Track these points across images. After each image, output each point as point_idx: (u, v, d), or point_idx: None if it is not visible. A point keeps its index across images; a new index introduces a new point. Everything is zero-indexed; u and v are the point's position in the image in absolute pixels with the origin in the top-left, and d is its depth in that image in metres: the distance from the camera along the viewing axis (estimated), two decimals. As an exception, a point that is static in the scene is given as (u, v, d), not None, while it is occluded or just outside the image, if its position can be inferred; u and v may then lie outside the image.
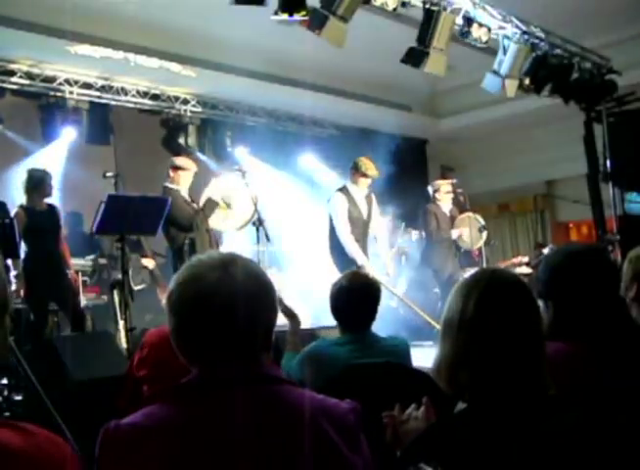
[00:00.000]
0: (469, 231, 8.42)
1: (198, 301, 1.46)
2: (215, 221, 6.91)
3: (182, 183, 6.59)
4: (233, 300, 1.45)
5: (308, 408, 1.45)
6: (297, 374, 3.33)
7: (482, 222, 8.51)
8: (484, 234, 8.44)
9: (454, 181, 9.31)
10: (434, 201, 8.49)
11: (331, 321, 3.66)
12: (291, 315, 3.76)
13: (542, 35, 7.09)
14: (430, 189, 8.64)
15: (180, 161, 6.81)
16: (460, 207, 8.94)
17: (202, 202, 6.76)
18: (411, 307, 7.67)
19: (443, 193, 8.46)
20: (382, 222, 7.72)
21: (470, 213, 8.66)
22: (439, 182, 8.71)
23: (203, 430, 1.39)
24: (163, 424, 1.40)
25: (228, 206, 6.80)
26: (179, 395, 1.47)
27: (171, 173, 6.61)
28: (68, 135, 8.35)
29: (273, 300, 1.54)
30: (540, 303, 2.06)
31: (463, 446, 1.39)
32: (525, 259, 9.00)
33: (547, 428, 1.40)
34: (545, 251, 8.79)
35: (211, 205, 6.68)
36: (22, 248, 5.94)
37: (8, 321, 1.12)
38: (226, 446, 1.38)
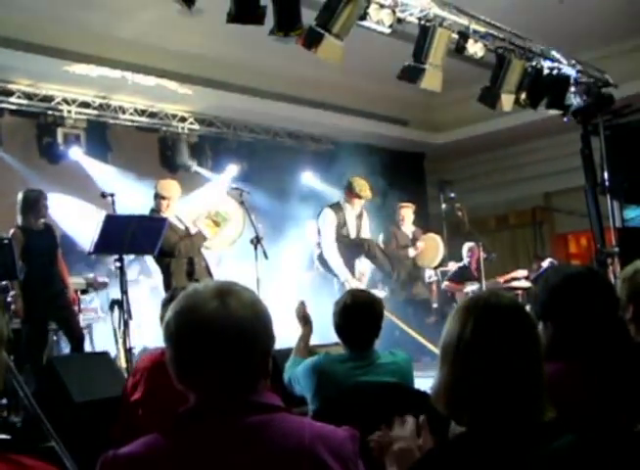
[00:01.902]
0: (422, 244, 8.61)
1: (195, 331, 1.47)
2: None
3: (167, 212, 6.39)
4: (229, 330, 1.46)
5: (305, 437, 1.45)
6: (299, 383, 3.34)
7: (440, 243, 8.75)
8: (441, 254, 8.71)
9: (450, 196, 9.42)
10: (396, 224, 8.64)
11: (332, 338, 3.67)
12: (305, 322, 3.87)
13: (538, 50, 7.11)
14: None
15: (163, 190, 6.51)
16: (458, 221, 9.02)
17: (191, 224, 6.61)
18: (403, 328, 7.65)
19: (402, 217, 8.66)
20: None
21: (432, 235, 8.86)
22: (399, 206, 8.87)
23: (197, 460, 1.40)
24: (159, 454, 1.42)
25: (217, 224, 6.70)
26: (175, 425, 1.47)
27: (155, 200, 6.50)
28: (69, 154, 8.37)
29: (270, 328, 1.54)
30: (539, 323, 2.06)
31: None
32: (525, 273, 9.01)
33: (544, 454, 1.39)
34: (544, 264, 8.80)
35: (201, 238, 6.54)
36: (21, 268, 5.93)
37: (5, 355, 1.11)
38: None
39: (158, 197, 6.44)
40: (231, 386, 1.47)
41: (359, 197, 7.27)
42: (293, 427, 1.47)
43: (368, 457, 1.65)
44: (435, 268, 9.09)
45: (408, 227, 8.79)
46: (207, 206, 6.82)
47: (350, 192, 7.29)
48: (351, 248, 7.37)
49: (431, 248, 8.70)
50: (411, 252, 8.53)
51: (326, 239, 7.26)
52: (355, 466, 1.49)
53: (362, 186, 7.26)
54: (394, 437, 1.85)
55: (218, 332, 1.45)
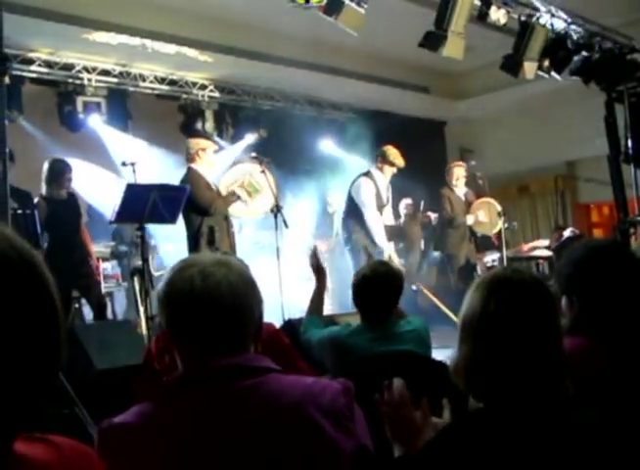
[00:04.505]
0: (484, 214, 8.37)
1: (187, 301, 1.52)
2: (236, 208, 6.91)
3: (204, 163, 6.56)
4: (219, 300, 1.51)
5: (295, 396, 1.49)
6: (318, 351, 3.35)
7: (499, 208, 8.44)
8: (502, 220, 8.37)
9: (471, 164, 9.26)
10: (449, 185, 8.48)
11: (349, 307, 3.66)
12: (318, 271, 3.73)
13: (562, 15, 6.99)
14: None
15: (195, 143, 6.75)
16: (478, 190, 8.90)
17: (222, 189, 6.75)
18: (430, 297, 7.67)
19: (456, 177, 8.44)
20: (389, 214, 7.78)
21: (487, 199, 8.61)
22: (451, 166, 8.66)
23: (189, 427, 1.44)
24: (152, 422, 1.46)
25: (249, 194, 6.76)
26: (166, 392, 1.52)
27: (190, 156, 6.58)
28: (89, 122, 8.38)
29: (256, 292, 1.59)
30: (563, 298, 2.05)
31: (481, 449, 1.39)
32: (546, 243, 8.94)
33: (565, 430, 1.40)
34: (566, 233, 8.73)
35: (232, 197, 6.63)
36: (45, 237, 5.99)
37: None
38: (210, 440, 1.43)
39: (188, 151, 6.53)
40: (218, 352, 1.51)
41: (393, 164, 7.35)
42: (283, 387, 1.50)
43: (368, 407, 1.67)
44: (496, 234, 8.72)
45: (461, 189, 8.53)
46: (241, 175, 6.87)
47: (384, 160, 7.37)
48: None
49: (490, 215, 8.40)
50: (469, 219, 8.35)
51: (368, 207, 7.32)
52: (348, 420, 1.51)
53: (395, 154, 7.35)
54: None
55: (209, 301, 1.50)
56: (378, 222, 7.25)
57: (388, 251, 7.12)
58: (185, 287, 1.51)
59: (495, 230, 8.51)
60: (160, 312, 1.57)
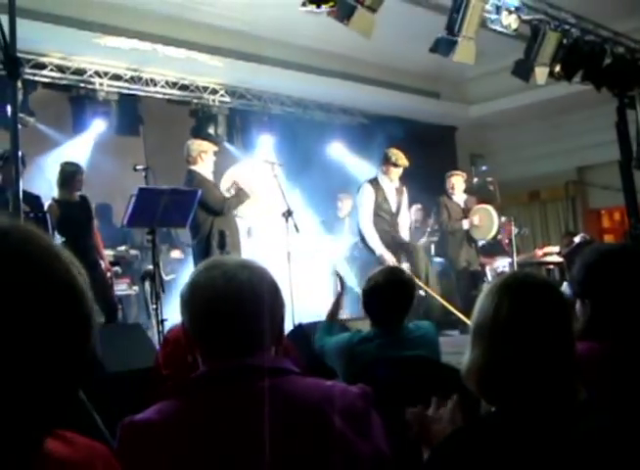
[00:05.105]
0: (479, 218, 8.40)
1: (209, 302, 1.54)
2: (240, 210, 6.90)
3: (205, 165, 6.56)
4: (242, 302, 1.53)
5: (314, 397, 1.50)
6: (329, 358, 3.34)
7: (495, 214, 8.46)
8: (496, 226, 8.40)
9: (482, 169, 9.24)
10: (446, 193, 8.52)
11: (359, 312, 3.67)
12: (341, 281, 3.94)
13: (573, 21, 6.98)
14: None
15: (197, 145, 6.72)
16: (489, 195, 8.90)
17: (223, 186, 6.74)
18: (438, 299, 7.65)
19: (452, 185, 8.49)
20: (406, 217, 7.77)
21: (483, 205, 8.64)
22: (449, 174, 8.70)
23: (210, 424, 1.45)
24: (174, 419, 1.47)
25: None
26: (189, 390, 1.53)
27: (192, 158, 6.58)
28: (99, 126, 8.41)
29: (278, 296, 1.62)
30: (577, 303, 2.05)
31: (493, 452, 1.39)
32: (556, 249, 8.92)
33: (577, 434, 1.39)
34: (576, 239, 8.71)
35: (244, 195, 6.62)
36: (57, 240, 6.01)
37: None
38: (232, 439, 1.44)
39: (189, 153, 6.52)
40: (241, 353, 1.53)
41: (396, 165, 7.30)
42: (302, 389, 1.53)
43: (392, 427, 1.68)
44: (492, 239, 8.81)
45: (459, 196, 8.62)
46: (238, 176, 6.86)
47: (387, 162, 7.33)
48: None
49: (484, 219, 8.49)
50: (465, 224, 8.41)
51: (364, 213, 7.31)
52: (367, 423, 1.53)
53: (398, 155, 7.31)
54: (432, 418, 1.85)
55: (231, 304, 1.52)
56: (369, 227, 7.24)
57: (387, 257, 7.09)
58: (208, 288, 1.54)
59: (491, 235, 8.57)
60: (183, 313, 1.59)
